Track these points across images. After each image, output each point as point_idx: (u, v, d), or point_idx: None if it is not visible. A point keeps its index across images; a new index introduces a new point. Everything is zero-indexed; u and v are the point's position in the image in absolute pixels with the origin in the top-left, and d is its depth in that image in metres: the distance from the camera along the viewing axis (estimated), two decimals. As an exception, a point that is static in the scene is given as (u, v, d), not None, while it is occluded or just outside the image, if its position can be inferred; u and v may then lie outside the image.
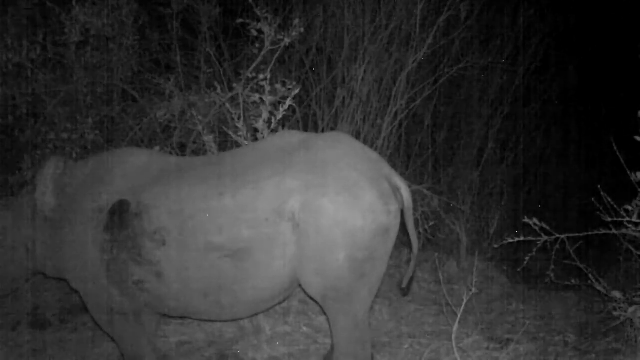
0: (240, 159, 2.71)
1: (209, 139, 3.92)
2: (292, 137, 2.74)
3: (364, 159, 2.61)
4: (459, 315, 3.10)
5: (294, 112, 4.88)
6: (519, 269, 4.11)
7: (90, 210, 2.73)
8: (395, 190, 2.58)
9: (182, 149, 4.47)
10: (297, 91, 3.79)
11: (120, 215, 2.66)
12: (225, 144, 4.29)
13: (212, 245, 2.52)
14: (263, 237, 2.48)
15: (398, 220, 2.60)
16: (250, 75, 3.99)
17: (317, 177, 2.49)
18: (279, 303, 2.96)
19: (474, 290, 3.22)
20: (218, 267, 2.53)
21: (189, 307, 2.72)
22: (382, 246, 2.54)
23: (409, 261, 4.77)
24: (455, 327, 3.09)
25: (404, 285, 2.85)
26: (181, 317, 3.60)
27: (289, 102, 3.76)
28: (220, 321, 3.51)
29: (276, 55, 4.14)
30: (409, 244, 2.81)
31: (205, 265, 2.54)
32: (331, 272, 2.49)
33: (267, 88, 3.76)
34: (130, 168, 2.84)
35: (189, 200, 2.58)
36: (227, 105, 4.01)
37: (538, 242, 3.62)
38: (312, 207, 2.46)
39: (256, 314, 3.35)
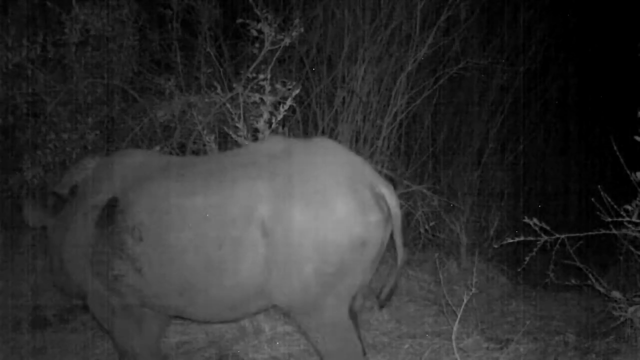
0: (222, 160, 2.72)
1: (209, 139, 3.92)
2: (278, 143, 2.67)
3: (346, 167, 2.50)
4: (459, 315, 3.10)
5: (294, 112, 4.88)
6: (519, 269, 4.11)
7: (88, 207, 2.79)
8: (380, 198, 2.45)
9: (182, 149, 4.47)
10: (297, 91, 3.79)
11: (108, 212, 2.71)
12: (225, 144, 4.29)
13: (182, 242, 2.52)
14: (230, 238, 2.44)
15: (380, 231, 2.44)
16: (250, 75, 3.99)
17: (290, 186, 2.41)
18: (253, 315, 2.87)
19: (474, 290, 3.22)
20: (188, 264, 2.53)
21: (168, 305, 2.72)
22: (357, 259, 2.40)
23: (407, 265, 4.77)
24: (455, 327, 3.09)
25: (382, 297, 2.70)
26: (181, 317, 3.60)
27: (289, 102, 3.76)
28: (199, 322, 3.51)
29: (276, 55, 4.14)
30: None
31: (178, 262, 2.54)
32: (297, 284, 2.39)
33: (268, 88, 3.77)
34: (125, 167, 2.87)
35: (164, 197, 2.60)
36: (227, 105, 4.01)
37: (538, 242, 3.61)
38: (281, 216, 2.38)
39: (232, 321, 3.32)
